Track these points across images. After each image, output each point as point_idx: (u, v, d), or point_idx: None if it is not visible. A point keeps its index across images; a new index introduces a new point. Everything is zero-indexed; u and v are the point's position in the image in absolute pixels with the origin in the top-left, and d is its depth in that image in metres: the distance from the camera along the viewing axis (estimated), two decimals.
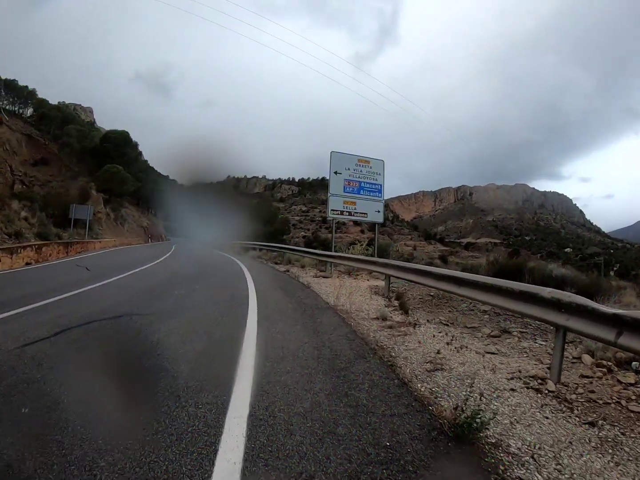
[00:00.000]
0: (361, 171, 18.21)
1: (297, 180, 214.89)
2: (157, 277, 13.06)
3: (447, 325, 7.15)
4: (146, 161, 65.70)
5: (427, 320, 7.41)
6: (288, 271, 16.31)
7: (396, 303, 8.95)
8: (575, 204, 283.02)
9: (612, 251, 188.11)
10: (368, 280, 13.85)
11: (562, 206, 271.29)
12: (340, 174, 17.63)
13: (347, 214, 17.83)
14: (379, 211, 18.64)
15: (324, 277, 14.36)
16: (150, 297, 8.62)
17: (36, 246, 18.10)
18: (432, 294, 10.22)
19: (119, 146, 52.33)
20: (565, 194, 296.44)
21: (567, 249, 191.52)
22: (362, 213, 18.10)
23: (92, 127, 76.62)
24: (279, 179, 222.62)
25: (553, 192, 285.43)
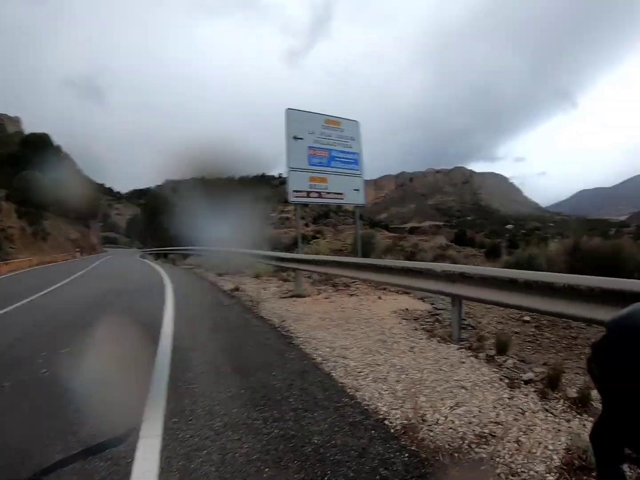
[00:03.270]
0: (330, 136, 12.80)
1: (236, 178, 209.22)
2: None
3: None
4: (78, 169, 59.25)
5: None
6: (238, 289, 10.65)
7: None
8: (512, 183, 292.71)
9: (551, 224, 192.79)
10: (376, 298, 8.55)
11: (500, 185, 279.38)
12: (302, 139, 12.13)
13: (316, 195, 12.26)
14: (358, 189, 13.33)
15: (297, 297, 9.02)
16: None
17: None
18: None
19: (39, 151, 45.60)
20: (502, 174, 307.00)
21: (509, 226, 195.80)
22: (336, 193, 12.62)
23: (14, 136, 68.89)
24: (218, 178, 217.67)
25: (490, 172, 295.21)
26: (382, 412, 3.25)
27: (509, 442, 2.71)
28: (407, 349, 4.94)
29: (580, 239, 10.42)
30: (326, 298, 8.71)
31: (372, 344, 5.13)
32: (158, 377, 3.98)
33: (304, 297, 8.98)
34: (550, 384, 3.61)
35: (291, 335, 5.65)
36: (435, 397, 3.52)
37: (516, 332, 5.93)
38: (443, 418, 3.13)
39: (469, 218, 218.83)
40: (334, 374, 4.08)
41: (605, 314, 3.28)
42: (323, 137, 12.68)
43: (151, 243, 41.70)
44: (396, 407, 3.34)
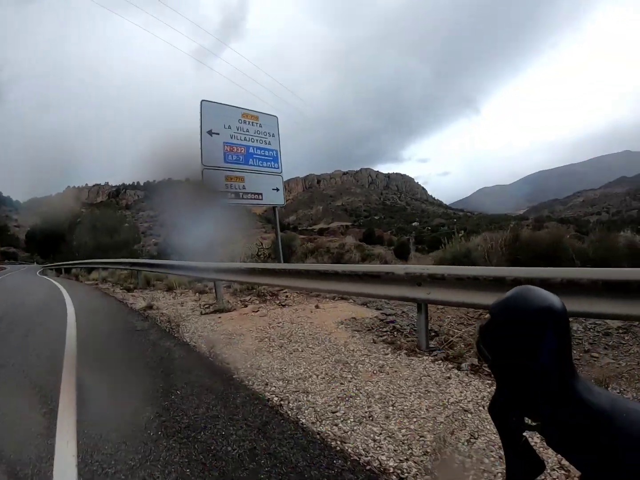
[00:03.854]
0: (248, 131, 11.75)
1: (142, 184, 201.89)
2: None
3: None
4: None
5: None
6: (151, 307, 9.12)
7: None
8: (417, 182, 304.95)
9: (455, 220, 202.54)
10: (313, 308, 7.44)
11: (405, 185, 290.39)
12: (218, 134, 10.94)
13: (233, 196, 11.12)
14: (277, 189, 12.34)
15: (220, 313, 7.79)
16: None
17: None
18: None
19: None
20: (407, 174, 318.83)
21: (414, 223, 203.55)
22: (254, 194, 11.51)
23: None
24: (123, 184, 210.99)
25: (396, 173, 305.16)
26: (392, 470, 2.37)
27: None
28: (377, 369, 4.06)
29: (520, 231, 10.21)
30: (255, 311, 7.56)
31: (332, 367, 4.17)
32: None
33: (229, 311, 7.79)
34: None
35: (229, 367, 4.49)
36: (442, 430, 2.76)
37: None
38: (470, 460, 2.42)
39: (376, 217, 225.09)
40: (304, 420, 3.05)
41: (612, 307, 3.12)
42: (240, 132, 11.62)
43: (53, 257, 38.05)
44: (405, 457, 2.50)
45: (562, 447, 0.67)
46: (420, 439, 2.67)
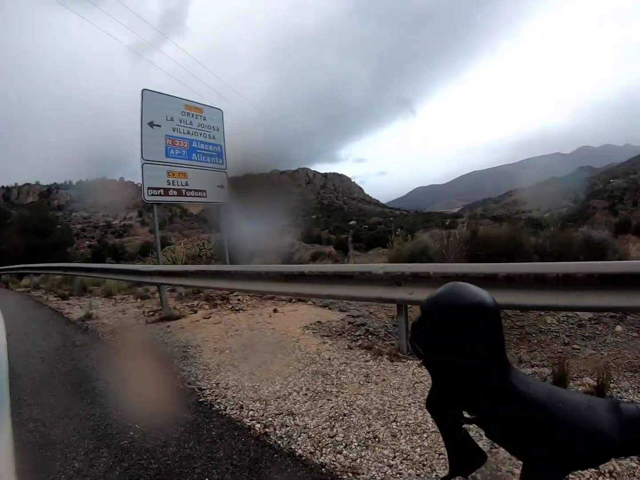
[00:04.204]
0: (191, 124, 11.05)
1: (75, 183, 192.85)
2: None
3: None
4: None
5: None
6: (90, 317, 8.14)
7: None
8: (354, 182, 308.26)
9: (391, 218, 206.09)
10: (271, 312, 6.89)
11: (342, 185, 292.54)
12: (159, 126, 10.13)
13: (175, 193, 10.30)
14: (222, 186, 11.67)
15: (168, 320, 7.05)
16: None
17: None
18: None
19: None
20: (344, 174, 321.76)
21: (352, 222, 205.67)
22: (197, 190, 10.82)
23: None
24: (55, 183, 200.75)
25: (333, 173, 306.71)
26: None
27: None
28: (362, 379, 3.62)
29: (477, 227, 10.10)
30: (206, 318, 6.90)
31: (312, 381, 3.68)
32: None
33: (177, 319, 7.06)
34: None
35: (191, 387, 3.86)
36: None
37: None
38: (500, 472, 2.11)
39: (313, 217, 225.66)
40: (301, 451, 2.52)
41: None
42: (183, 125, 10.89)
43: None
44: None
45: (501, 439, 0.71)
46: (440, 456, 2.29)
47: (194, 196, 10.86)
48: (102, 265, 11.09)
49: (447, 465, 0.75)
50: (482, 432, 0.76)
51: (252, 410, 3.22)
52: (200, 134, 11.25)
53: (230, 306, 7.72)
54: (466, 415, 0.72)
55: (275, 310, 6.78)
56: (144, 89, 9.97)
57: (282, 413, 3.10)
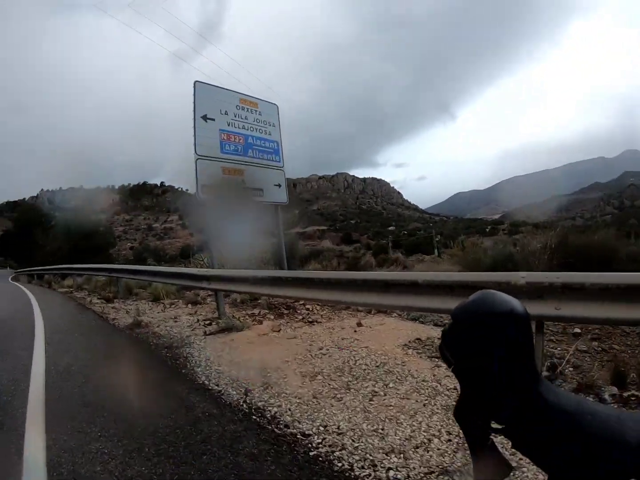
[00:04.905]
0: (246, 118, 10.28)
1: (117, 187, 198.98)
2: None
3: None
4: None
5: None
6: (139, 324, 7.32)
7: None
8: (393, 187, 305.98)
9: (431, 224, 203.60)
10: (354, 325, 5.89)
11: (381, 190, 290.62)
12: (213, 120, 9.43)
13: None
14: (279, 185, 10.83)
15: (229, 332, 6.16)
16: None
17: None
18: None
19: None
20: (383, 179, 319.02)
21: (391, 227, 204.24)
22: (254, 189, 10.07)
23: None
24: (98, 187, 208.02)
25: (372, 177, 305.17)
26: None
27: None
28: None
29: (568, 234, 9.20)
30: (276, 330, 5.99)
31: (448, 420, 2.86)
32: None
33: (240, 330, 6.17)
34: None
35: (293, 431, 2.91)
36: None
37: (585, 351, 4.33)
38: None
39: (352, 222, 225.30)
40: None
41: None
42: (238, 120, 10.18)
43: (26, 262, 36.06)
44: None
45: (527, 450, 0.67)
46: None
47: (251, 195, 10.12)
48: (151, 267, 10.33)
49: (473, 475, 0.68)
50: (508, 443, 0.67)
51: (391, 469, 2.29)
52: (256, 130, 10.53)
53: (300, 317, 6.83)
54: (494, 425, 0.67)
55: (359, 324, 5.79)
56: (196, 81, 9.28)
57: (433, 471, 2.17)
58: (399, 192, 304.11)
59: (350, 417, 3.04)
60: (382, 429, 2.82)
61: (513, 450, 0.71)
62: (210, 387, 3.95)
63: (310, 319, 6.53)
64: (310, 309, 7.27)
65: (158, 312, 8.89)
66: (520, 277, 3.42)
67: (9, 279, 33.21)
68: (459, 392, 0.70)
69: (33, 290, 17.84)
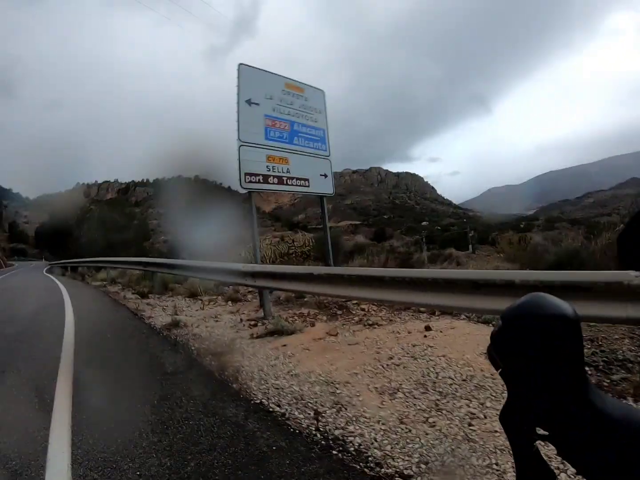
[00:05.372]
0: (292, 104, 9.67)
1: (151, 181, 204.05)
2: None
3: None
4: None
5: None
6: (177, 324, 6.73)
7: None
8: (426, 182, 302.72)
9: (464, 220, 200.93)
10: (421, 328, 5.12)
11: (415, 184, 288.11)
12: (258, 105, 8.85)
13: (276, 181, 8.87)
14: (325, 175, 10.17)
15: (280, 335, 5.51)
16: None
17: None
18: None
19: None
20: (417, 174, 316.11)
21: (424, 222, 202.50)
22: (300, 179, 9.44)
23: None
24: (132, 181, 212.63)
25: (406, 172, 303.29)
26: None
27: None
28: None
29: None
30: (333, 334, 5.30)
31: None
32: None
33: (291, 333, 5.54)
34: None
35: (388, 471, 2.27)
36: None
37: None
38: None
39: (385, 216, 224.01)
40: None
41: None
42: (283, 105, 9.59)
43: (62, 254, 36.69)
44: None
45: (573, 458, 0.64)
46: None
47: (296, 185, 9.51)
48: (190, 262, 9.70)
49: None
50: (551, 450, 0.63)
51: None
52: (302, 116, 9.92)
53: (356, 318, 6.15)
54: (539, 431, 0.63)
55: (427, 328, 5.06)
56: (240, 63, 8.65)
57: None
58: (432, 187, 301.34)
59: (453, 449, 2.41)
60: (496, 464, 2.22)
61: (558, 457, 0.62)
62: (270, 409, 3.27)
63: (369, 321, 5.82)
64: (366, 309, 6.58)
65: (196, 310, 8.38)
66: (634, 276, 2.73)
67: (44, 271, 33.82)
68: (507, 397, 0.63)
69: (66, 283, 17.71)
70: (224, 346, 5.30)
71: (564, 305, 0.64)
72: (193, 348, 5.35)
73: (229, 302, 9.01)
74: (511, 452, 0.68)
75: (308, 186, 9.68)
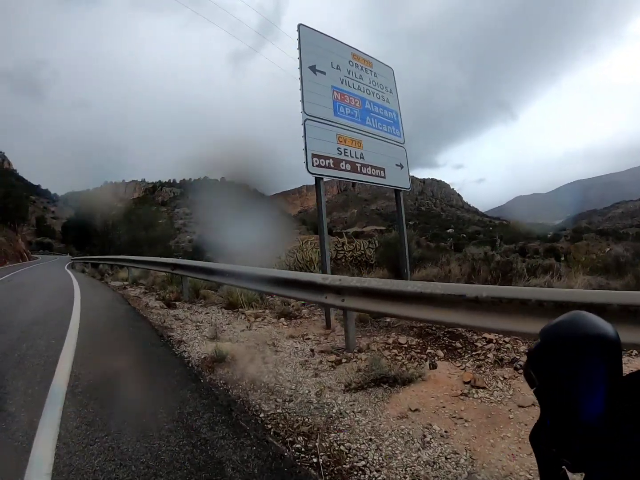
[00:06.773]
0: (361, 78, 7.97)
1: (178, 181, 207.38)
2: None
3: None
4: (12, 170, 57.23)
5: None
6: (223, 359, 4.64)
7: None
8: (452, 189, 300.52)
9: (491, 228, 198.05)
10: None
11: (441, 191, 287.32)
12: (324, 73, 7.16)
13: (349, 167, 7.13)
14: (401, 165, 8.41)
15: (393, 387, 3.58)
16: None
17: None
18: None
19: None
20: (442, 180, 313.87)
21: (449, 230, 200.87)
22: (375, 167, 7.68)
23: None
24: (159, 181, 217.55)
25: (431, 179, 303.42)
26: None
27: None
28: None
29: None
30: (479, 386, 3.39)
31: None
32: None
33: (409, 382, 3.66)
34: None
35: None
36: None
37: None
38: None
39: (410, 223, 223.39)
40: None
41: None
42: (352, 78, 7.86)
43: (88, 250, 36.63)
44: None
45: None
46: None
47: (371, 175, 7.68)
48: (236, 267, 7.49)
49: None
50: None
51: None
52: (373, 94, 8.35)
53: (490, 355, 4.18)
54: (565, 460, 0.62)
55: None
56: (300, 24, 7.24)
57: None
58: (458, 194, 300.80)
59: None
60: None
61: None
62: None
63: (508, 359, 3.89)
64: (495, 341, 4.62)
65: (242, 331, 6.39)
66: None
67: (65, 266, 33.40)
68: (539, 416, 0.62)
69: (82, 282, 16.26)
70: (312, 409, 3.37)
71: (604, 325, 0.60)
72: (262, 416, 3.29)
73: (282, 320, 7.06)
74: (538, 473, 0.64)
75: (384, 177, 7.87)
